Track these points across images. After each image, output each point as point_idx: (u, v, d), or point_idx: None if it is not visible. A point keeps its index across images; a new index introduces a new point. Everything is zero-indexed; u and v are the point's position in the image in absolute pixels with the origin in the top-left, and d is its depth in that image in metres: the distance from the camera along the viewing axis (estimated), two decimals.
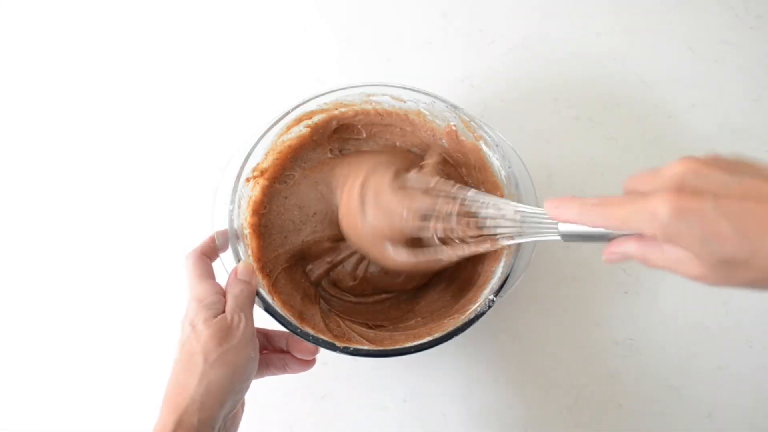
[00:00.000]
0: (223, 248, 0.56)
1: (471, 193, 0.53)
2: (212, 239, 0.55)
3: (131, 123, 0.74)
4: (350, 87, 0.61)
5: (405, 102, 0.63)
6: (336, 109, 0.63)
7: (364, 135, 0.67)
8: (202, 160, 0.72)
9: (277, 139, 0.62)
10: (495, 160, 0.60)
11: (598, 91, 0.75)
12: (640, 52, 0.76)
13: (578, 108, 0.74)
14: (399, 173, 0.57)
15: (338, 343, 0.54)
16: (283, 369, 0.55)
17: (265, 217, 0.63)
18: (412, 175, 0.57)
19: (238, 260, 0.56)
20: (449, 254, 0.54)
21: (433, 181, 0.55)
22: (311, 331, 0.55)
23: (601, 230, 0.41)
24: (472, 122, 0.60)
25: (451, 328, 0.54)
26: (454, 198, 0.54)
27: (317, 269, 0.64)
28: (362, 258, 0.64)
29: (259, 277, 0.57)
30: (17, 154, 0.74)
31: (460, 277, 0.63)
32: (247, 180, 0.60)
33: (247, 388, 0.49)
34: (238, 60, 0.77)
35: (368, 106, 0.64)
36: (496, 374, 0.66)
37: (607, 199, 0.38)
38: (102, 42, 0.78)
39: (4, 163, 0.73)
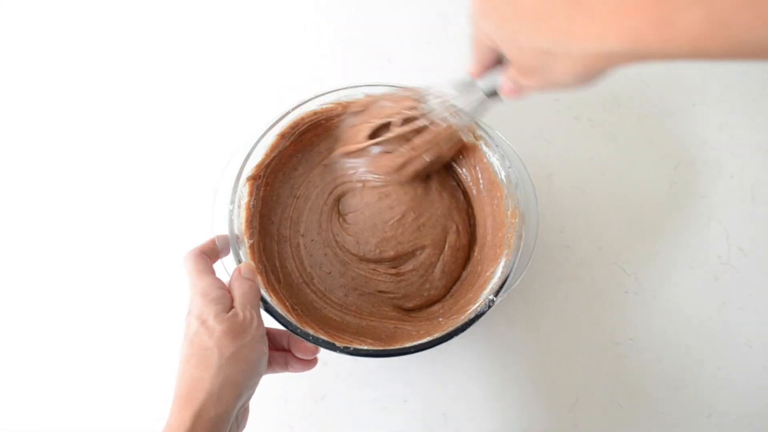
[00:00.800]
0: (224, 252, 0.56)
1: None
2: (212, 241, 0.55)
3: (132, 123, 0.74)
4: (351, 87, 0.61)
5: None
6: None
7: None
8: (203, 161, 0.72)
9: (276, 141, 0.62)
10: (495, 160, 0.60)
11: (598, 91, 0.75)
12: None
13: (578, 108, 0.74)
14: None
15: (338, 343, 0.54)
16: (285, 368, 0.55)
17: None
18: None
19: (239, 261, 0.56)
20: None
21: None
22: (311, 331, 0.55)
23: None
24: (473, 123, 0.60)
25: (451, 328, 0.54)
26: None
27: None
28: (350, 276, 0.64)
29: (259, 277, 0.57)
30: (18, 156, 0.74)
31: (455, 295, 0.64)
32: (248, 180, 0.60)
33: (257, 383, 0.50)
34: (239, 60, 0.77)
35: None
36: (496, 374, 0.66)
37: None
38: (102, 43, 0.78)
39: (5, 164, 0.73)
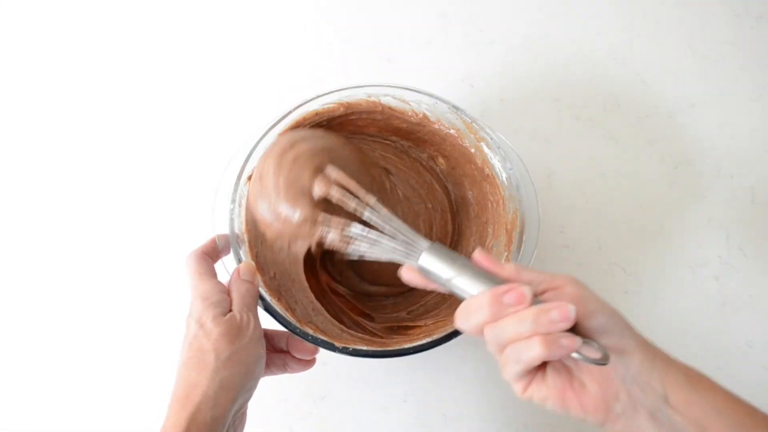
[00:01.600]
0: (225, 251, 0.56)
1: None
2: (213, 241, 0.55)
3: (132, 123, 0.74)
4: (352, 87, 0.61)
5: (408, 103, 0.63)
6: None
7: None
8: (203, 161, 0.72)
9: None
10: (496, 162, 0.60)
11: (598, 91, 0.75)
12: (640, 52, 0.76)
13: (578, 108, 0.74)
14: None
15: (337, 343, 0.54)
16: (284, 369, 0.55)
17: None
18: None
19: (239, 260, 0.56)
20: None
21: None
22: (310, 331, 0.55)
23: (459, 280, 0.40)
24: (474, 124, 0.60)
25: (451, 329, 0.54)
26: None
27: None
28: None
29: (259, 277, 0.57)
30: (19, 157, 0.73)
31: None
32: (248, 179, 0.60)
33: (255, 386, 0.50)
34: (239, 60, 0.76)
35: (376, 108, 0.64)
36: (496, 374, 0.66)
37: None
38: (103, 43, 0.77)
39: (5, 165, 0.73)
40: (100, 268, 0.69)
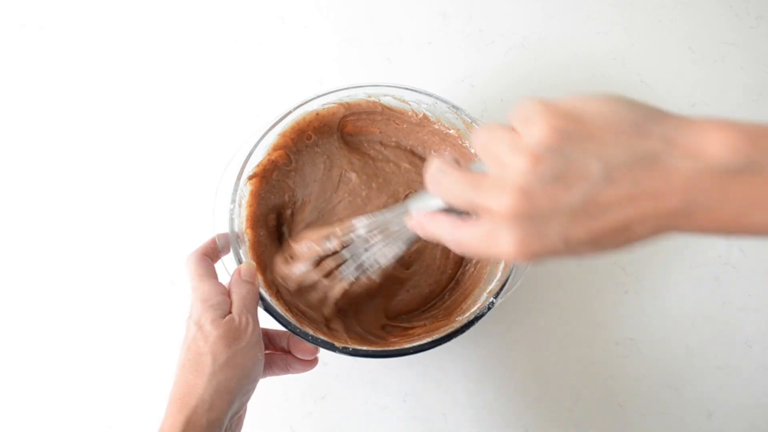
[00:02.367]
0: (225, 251, 0.56)
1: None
2: (213, 241, 0.55)
3: (133, 123, 0.74)
4: (352, 87, 0.61)
5: (408, 103, 0.63)
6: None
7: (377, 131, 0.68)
8: (203, 160, 0.72)
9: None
10: None
11: (598, 92, 0.75)
12: (640, 52, 0.76)
13: None
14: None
15: (337, 343, 0.54)
16: (286, 369, 0.55)
17: None
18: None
19: (239, 261, 0.56)
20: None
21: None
22: (310, 331, 0.55)
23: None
24: (474, 124, 0.60)
25: (451, 330, 0.54)
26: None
27: None
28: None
29: (260, 277, 0.57)
30: (18, 157, 0.73)
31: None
32: (248, 179, 0.60)
33: (253, 389, 0.50)
34: (239, 60, 0.76)
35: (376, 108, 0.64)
36: (496, 374, 0.66)
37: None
38: (103, 43, 0.77)
39: (4, 165, 0.73)
40: (100, 269, 0.69)
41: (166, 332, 0.64)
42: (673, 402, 0.65)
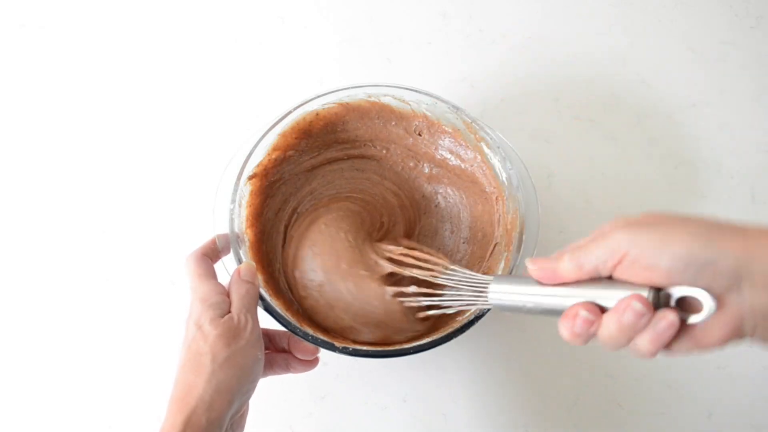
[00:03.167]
0: (225, 251, 0.56)
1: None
2: (213, 241, 0.55)
3: (133, 123, 0.74)
4: (352, 87, 0.61)
5: (408, 103, 0.63)
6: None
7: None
8: (203, 160, 0.72)
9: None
10: (496, 162, 0.60)
11: (598, 91, 0.75)
12: (640, 52, 0.76)
13: (578, 108, 0.74)
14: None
15: (337, 343, 0.54)
16: (286, 369, 0.55)
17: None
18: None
19: (239, 261, 0.56)
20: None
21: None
22: (310, 331, 0.55)
23: (536, 301, 0.42)
24: (474, 124, 0.60)
25: (451, 330, 0.54)
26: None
27: None
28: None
29: (260, 277, 0.57)
30: (18, 157, 0.73)
31: None
32: (248, 179, 0.60)
33: (253, 389, 0.50)
34: (239, 60, 0.76)
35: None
36: (496, 374, 0.66)
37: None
38: (103, 43, 0.77)
39: (4, 165, 0.73)
40: (100, 269, 0.69)
41: (166, 332, 0.64)
42: (673, 402, 0.65)
